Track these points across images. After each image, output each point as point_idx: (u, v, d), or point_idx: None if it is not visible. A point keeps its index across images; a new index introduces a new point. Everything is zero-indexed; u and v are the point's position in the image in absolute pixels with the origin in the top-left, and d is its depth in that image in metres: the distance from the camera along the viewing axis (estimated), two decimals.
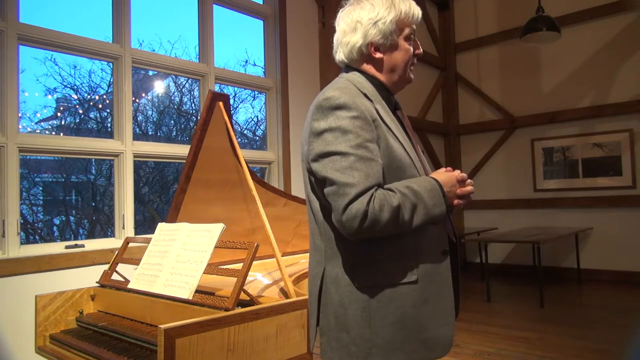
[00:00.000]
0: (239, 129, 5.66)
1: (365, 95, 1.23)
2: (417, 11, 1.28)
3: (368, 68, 1.30)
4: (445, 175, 1.23)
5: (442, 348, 1.21)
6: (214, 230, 1.62)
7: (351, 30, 1.29)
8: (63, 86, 4.43)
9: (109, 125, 4.35)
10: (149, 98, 5.28)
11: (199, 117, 2.98)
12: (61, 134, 4.38)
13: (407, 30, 1.27)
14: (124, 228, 3.40)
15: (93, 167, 4.85)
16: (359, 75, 1.29)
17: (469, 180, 1.25)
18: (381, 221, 1.09)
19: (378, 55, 1.27)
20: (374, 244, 1.17)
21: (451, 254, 1.28)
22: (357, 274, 1.19)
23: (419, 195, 1.14)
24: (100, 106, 4.81)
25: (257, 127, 5.73)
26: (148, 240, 1.86)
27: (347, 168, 1.11)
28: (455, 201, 1.22)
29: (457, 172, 1.25)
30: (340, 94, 1.18)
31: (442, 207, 1.17)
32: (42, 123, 4.30)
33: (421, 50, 1.33)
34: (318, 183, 1.19)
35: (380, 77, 1.29)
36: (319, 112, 1.19)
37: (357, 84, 1.26)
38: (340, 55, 1.34)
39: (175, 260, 1.66)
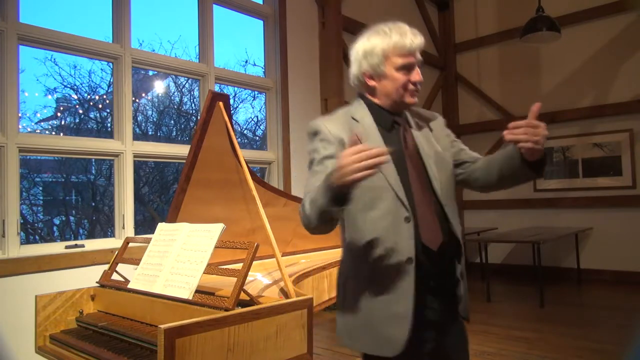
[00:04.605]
0: (239, 129, 5.67)
1: (353, 118, 1.43)
2: (409, 42, 1.36)
3: (367, 93, 1.47)
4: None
5: (391, 348, 1.31)
6: (214, 230, 1.62)
7: (353, 61, 1.46)
8: (63, 86, 4.44)
9: (109, 125, 4.35)
10: (149, 98, 5.28)
11: (199, 117, 2.98)
12: (61, 134, 4.39)
13: (399, 61, 1.37)
14: (124, 228, 3.40)
15: (93, 167, 4.85)
16: (359, 101, 1.48)
17: (356, 151, 1.13)
18: (302, 219, 1.34)
19: (371, 83, 1.43)
20: (345, 240, 1.42)
21: (435, 260, 1.35)
22: (341, 265, 1.48)
23: (315, 188, 1.28)
24: (100, 106, 4.81)
25: (257, 127, 5.74)
26: (148, 240, 1.85)
27: (307, 181, 1.39)
28: (346, 179, 1.14)
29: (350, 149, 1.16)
30: (317, 122, 1.42)
31: (325, 195, 1.21)
32: (42, 123, 4.30)
33: (418, 78, 1.40)
34: None
35: (377, 101, 1.45)
36: (307, 136, 1.47)
37: (351, 109, 1.47)
38: (350, 82, 1.51)
39: (175, 260, 1.65)
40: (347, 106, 1.49)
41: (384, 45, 1.37)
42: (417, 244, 1.34)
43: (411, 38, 1.37)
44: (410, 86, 1.40)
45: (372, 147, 1.14)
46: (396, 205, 1.34)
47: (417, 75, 1.40)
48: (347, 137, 1.34)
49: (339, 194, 1.19)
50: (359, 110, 1.45)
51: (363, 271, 1.37)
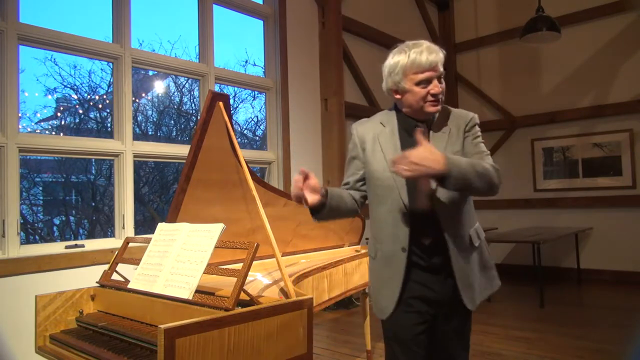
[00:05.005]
0: (239, 129, 5.67)
1: (382, 123, 1.69)
2: (424, 59, 1.52)
3: (396, 103, 1.67)
4: None
5: (382, 312, 1.66)
6: (214, 230, 1.62)
7: (383, 78, 1.66)
8: (63, 86, 4.44)
9: (109, 125, 4.35)
10: (149, 98, 5.28)
11: (199, 117, 2.98)
12: (61, 134, 4.39)
13: (419, 76, 1.54)
14: (124, 228, 3.40)
15: (93, 167, 4.85)
16: (392, 110, 1.71)
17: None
18: None
19: (397, 96, 1.63)
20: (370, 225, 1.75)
21: (428, 252, 1.60)
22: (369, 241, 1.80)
23: None
24: (100, 106, 4.81)
25: (257, 127, 5.74)
26: (148, 240, 1.85)
27: None
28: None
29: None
30: (354, 125, 1.76)
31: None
32: (42, 123, 4.30)
33: (437, 90, 1.55)
34: None
35: (404, 110, 1.64)
36: None
37: (382, 115, 1.73)
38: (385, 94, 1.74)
39: (175, 260, 1.65)
40: (385, 111, 1.75)
41: (403, 63, 1.55)
42: (413, 237, 1.59)
43: (426, 55, 1.52)
44: (430, 97, 1.56)
45: (303, 175, 1.52)
46: (398, 203, 1.59)
47: (435, 87, 1.55)
48: (371, 140, 1.67)
49: (310, 208, 1.58)
50: (388, 117, 1.70)
51: (376, 251, 1.69)
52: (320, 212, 1.59)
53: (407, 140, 1.61)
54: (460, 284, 1.59)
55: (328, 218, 1.64)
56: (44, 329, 1.79)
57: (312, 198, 1.52)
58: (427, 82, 1.54)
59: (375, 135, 1.67)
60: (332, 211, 1.61)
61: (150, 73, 4.57)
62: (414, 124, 1.62)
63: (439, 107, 1.59)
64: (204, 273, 1.55)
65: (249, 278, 1.96)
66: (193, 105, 5.46)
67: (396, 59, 1.57)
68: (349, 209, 1.70)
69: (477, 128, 1.65)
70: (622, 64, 5.74)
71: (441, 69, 1.56)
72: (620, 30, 5.74)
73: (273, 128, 4.68)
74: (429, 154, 1.38)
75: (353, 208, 1.71)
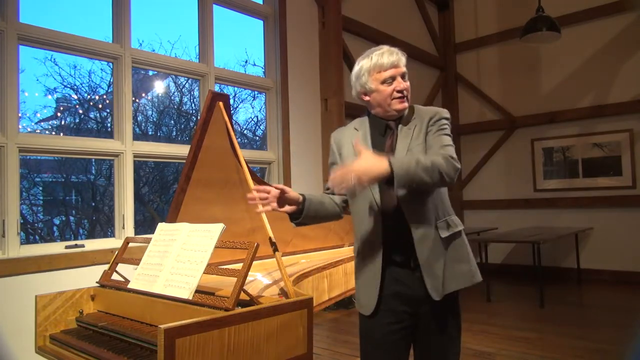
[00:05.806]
0: (239, 129, 5.67)
1: (355, 128, 1.77)
2: (385, 60, 1.64)
3: (367, 106, 1.74)
4: None
5: (365, 309, 1.68)
6: (214, 230, 1.62)
7: (352, 85, 1.74)
8: (63, 86, 4.44)
9: (109, 125, 4.35)
10: (149, 98, 5.28)
11: (199, 117, 2.98)
12: (61, 134, 4.38)
13: (383, 75, 1.64)
14: (124, 228, 3.40)
15: (93, 167, 4.85)
16: (365, 115, 1.78)
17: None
18: None
19: (366, 98, 1.71)
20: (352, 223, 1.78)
21: (399, 246, 1.63)
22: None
23: None
24: (100, 106, 4.81)
25: (257, 127, 5.74)
26: (148, 240, 1.85)
27: None
28: None
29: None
30: (333, 134, 1.85)
31: None
32: (42, 123, 4.30)
33: (401, 86, 1.64)
34: None
35: (373, 111, 1.72)
36: None
37: (356, 121, 1.80)
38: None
39: (175, 260, 1.65)
40: (359, 118, 1.80)
41: (367, 65, 1.66)
42: (385, 232, 1.63)
43: (387, 56, 1.64)
44: (396, 94, 1.64)
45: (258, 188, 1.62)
46: (371, 200, 1.65)
47: (399, 84, 1.64)
48: (347, 145, 1.74)
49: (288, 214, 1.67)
50: (361, 122, 1.77)
51: (357, 248, 1.74)
52: (297, 218, 1.67)
53: (379, 140, 1.70)
54: (425, 274, 1.60)
55: (308, 224, 1.71)
56: (44, 329, 1.79)
57: (286, 208, 1.63)
58: (391, 79, 1.64)
59: (350, 140, 1.74)
60: (309, 218, 1.69)
61: (150, 73, 4.57)
62: (384, 125, 1.70)
63: (406, 104, 1.66)
64: (204, 273, 1.55)
65: (249, 278, 1.96)
66: (193, 105, 5.46)
67: (361, 64, 1.69)
68: (330, 213, 1.76)
69: (444, 122, 1.68)
70: (622, 64, 5.74)
71: (404, 69, 1.66)
72: (620, 30, 5.75)
73: (273, 128, 4.68)
74: (370, 160, 1.44)
75: (335, 212, 1.77)
